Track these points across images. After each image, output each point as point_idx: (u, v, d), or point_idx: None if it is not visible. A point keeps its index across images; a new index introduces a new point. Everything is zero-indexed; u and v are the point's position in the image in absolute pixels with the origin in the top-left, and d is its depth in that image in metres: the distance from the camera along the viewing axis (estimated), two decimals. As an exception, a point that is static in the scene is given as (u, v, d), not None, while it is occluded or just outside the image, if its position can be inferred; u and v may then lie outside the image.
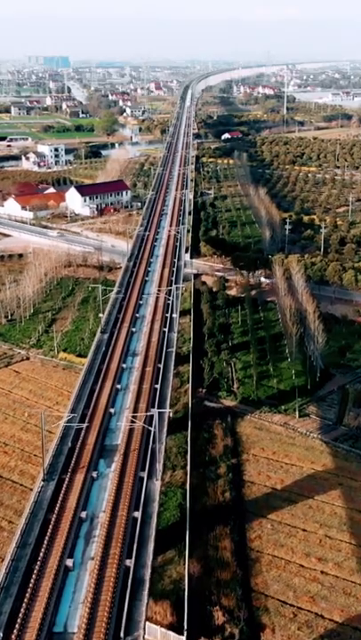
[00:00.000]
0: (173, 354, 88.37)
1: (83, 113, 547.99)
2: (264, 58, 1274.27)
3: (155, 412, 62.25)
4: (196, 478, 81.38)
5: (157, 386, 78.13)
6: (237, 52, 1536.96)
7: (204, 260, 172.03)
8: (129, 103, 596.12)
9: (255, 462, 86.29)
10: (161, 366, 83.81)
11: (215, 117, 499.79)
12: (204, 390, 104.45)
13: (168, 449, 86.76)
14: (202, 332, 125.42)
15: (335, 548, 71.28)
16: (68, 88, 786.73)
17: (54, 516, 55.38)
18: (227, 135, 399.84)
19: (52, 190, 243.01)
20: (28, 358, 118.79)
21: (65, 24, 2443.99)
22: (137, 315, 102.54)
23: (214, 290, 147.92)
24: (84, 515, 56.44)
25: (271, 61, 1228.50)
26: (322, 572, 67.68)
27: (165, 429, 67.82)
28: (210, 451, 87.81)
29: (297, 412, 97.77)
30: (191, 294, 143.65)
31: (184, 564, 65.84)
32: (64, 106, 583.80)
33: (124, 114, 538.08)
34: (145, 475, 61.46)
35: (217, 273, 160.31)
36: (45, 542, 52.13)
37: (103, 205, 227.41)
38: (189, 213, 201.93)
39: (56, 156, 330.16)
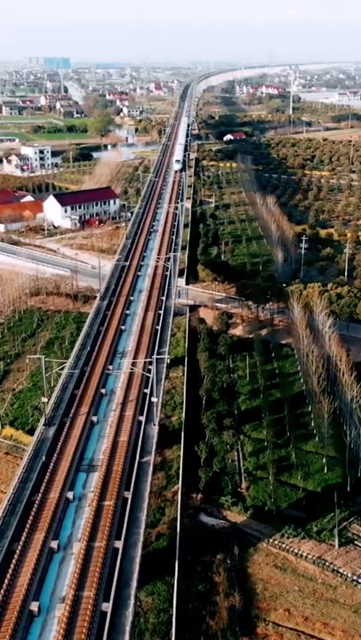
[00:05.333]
0: (151, 468, 57.18)
1: (77, 113, 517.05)
2: (266, 59, 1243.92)
3: None
4: None
5: (120, 544, 47.25)
6: (239, 53, 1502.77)
7: (202, 286, 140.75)
8: (126, 103, 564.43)
9: (278, 642, 55.33)
10: (130, 496, 52.87)
11: (217, 117, 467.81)
12: (199, 496, 73.47)
13: (143, 615, 56.06)
14: (198, 393, 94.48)
15: None
16: (65, 88, 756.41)
17: None
18: (229, 136, 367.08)
19: (29, 198, 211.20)
20: None
21: (66, 26, 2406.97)
22: (103, 390, 71.24)
23: (215, 329, 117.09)
24: None
25: (274, 62, 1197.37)
26: None
27: None
28: (207, 621, 56.77)
29: (336, 539, 66.65)
30: (186, 336, 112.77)
31: None
32: (58, 105, 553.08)
33: (121, 114, 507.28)
34: None
35: (218, 305, 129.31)
36: None
37: (87, 216, 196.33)
38: (186, 226, 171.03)
39: (41, 158, 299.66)
